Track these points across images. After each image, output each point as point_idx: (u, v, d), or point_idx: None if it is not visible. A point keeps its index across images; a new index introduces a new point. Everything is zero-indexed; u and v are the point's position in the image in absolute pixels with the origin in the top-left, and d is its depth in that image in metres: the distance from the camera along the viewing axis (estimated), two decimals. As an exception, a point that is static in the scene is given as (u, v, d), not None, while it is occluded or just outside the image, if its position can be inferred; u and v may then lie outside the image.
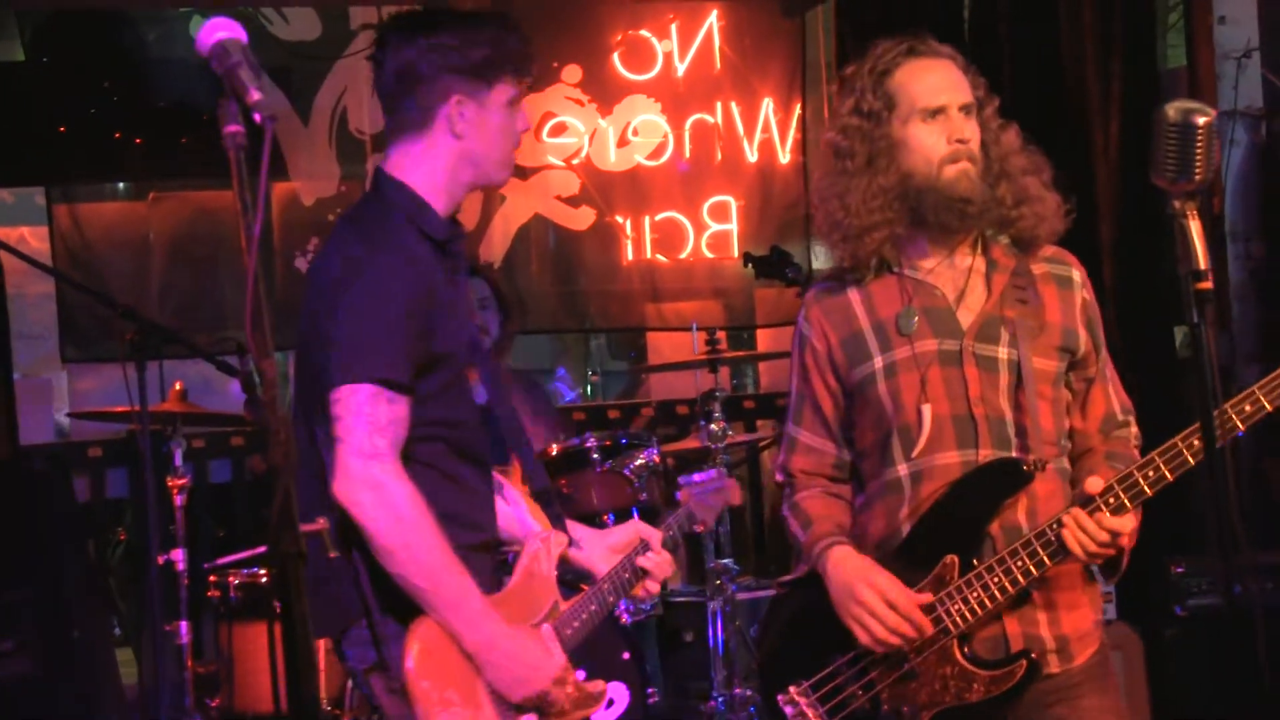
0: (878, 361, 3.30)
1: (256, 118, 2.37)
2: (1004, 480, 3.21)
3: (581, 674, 3.29)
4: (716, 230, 8.18)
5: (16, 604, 5.64)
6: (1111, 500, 3.10)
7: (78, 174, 7.63)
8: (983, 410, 3.23)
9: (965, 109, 3.27)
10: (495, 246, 7.90)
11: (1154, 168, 2.66)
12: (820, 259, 8.44)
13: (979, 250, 3.32)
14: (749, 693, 5.74)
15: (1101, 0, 6.51)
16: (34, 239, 8.62)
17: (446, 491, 3.15)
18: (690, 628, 6.19)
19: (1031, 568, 3.13)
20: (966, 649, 3.20)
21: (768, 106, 8.22)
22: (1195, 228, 2.63)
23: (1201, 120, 2.61)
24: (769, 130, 8.22)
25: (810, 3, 8.20)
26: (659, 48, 8.12)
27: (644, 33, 8.10)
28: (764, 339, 8.71)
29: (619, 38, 8.06)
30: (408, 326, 3.06)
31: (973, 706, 3.18)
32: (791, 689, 3.30)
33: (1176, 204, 2.64)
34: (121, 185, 8.42)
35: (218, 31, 2.45)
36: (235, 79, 2.40)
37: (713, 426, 5.81)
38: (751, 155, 8.23)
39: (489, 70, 3.21)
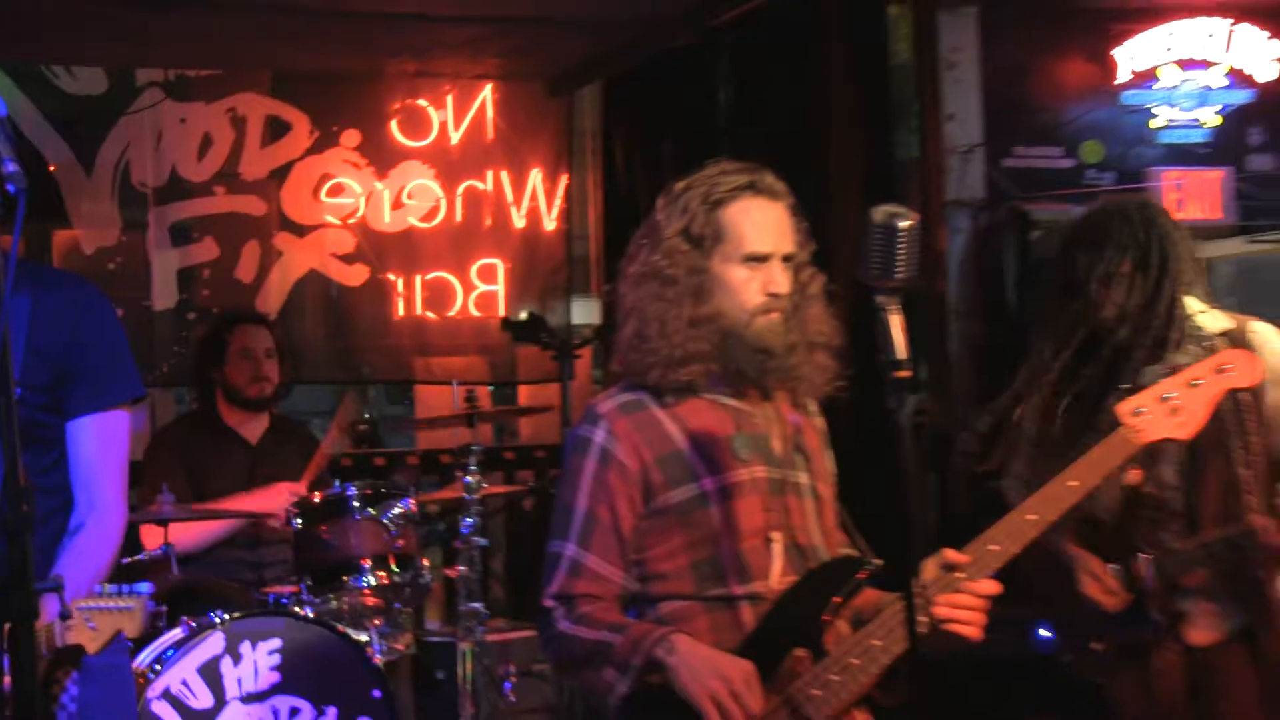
0: (707, 483, 3.11)
1: (10, 189, 2.40)
2: (845, 575, 3.10)
3: None
4: (484, 290, 8.41)
5: None
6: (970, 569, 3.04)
7: None
8: (805, 539, 3.16)
9: (787, 258, 3.15)
10: (271, 299, 8.00)
11: (860, 265, 2.70)
12: (581, 317, 8.81)
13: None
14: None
15: (850, 90, 6.83)
16: None
17: None
18: (442, 667, 6.26)
19: (891, 644, 2.99)
20: None
21: (536, 177, 8.50)
22: (897, 321, 2.69)
23: (904, 224, 2.67)
24: (536, 199, 8.50)
25: (576, 84, 8.47)
26: (435, 117, 8.33)
27: (421, 102, 8.31)
28: (525, 393, 8.86)
29: (397, 106, 8.26)
30: None
31: None
32: None
33: (880, 299, 2.69)
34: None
35: None
36: None
37: (469, 479, 5.99)
38: (519, 221, 8.48)
39: None
